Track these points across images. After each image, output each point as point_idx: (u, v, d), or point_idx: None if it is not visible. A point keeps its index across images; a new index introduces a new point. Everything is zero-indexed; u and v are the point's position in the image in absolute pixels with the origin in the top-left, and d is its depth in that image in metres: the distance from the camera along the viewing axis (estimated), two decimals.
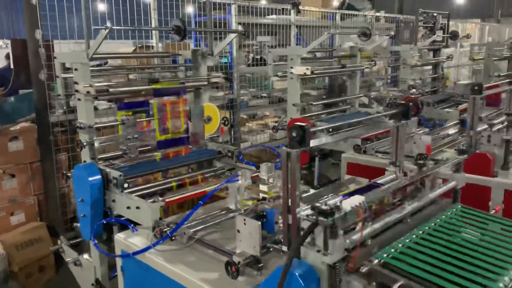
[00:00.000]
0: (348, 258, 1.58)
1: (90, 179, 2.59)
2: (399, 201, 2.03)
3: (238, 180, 2.43)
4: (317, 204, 1.56)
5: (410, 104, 2.35)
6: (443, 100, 5.75)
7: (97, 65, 3.63)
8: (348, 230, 1.64)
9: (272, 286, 1.65)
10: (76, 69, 2.77)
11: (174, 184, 2.90)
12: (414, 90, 5.81)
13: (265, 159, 5.31)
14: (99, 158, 2.87)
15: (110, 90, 2.81)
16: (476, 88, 3.02)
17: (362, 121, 2.57)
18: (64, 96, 3.42)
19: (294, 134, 1.75)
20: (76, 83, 2.76)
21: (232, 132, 5.98)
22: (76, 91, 2.76)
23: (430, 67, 6.72)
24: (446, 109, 5.41)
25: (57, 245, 3.24)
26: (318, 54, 6.65)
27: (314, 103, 4.96)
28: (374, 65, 5.98)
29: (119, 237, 2.39)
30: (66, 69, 3.20)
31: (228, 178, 2.63)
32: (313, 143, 1.78)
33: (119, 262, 2.43)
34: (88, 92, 2.69)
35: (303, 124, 1.73)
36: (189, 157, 3.15)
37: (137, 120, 2.96)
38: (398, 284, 1.48)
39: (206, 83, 3.31)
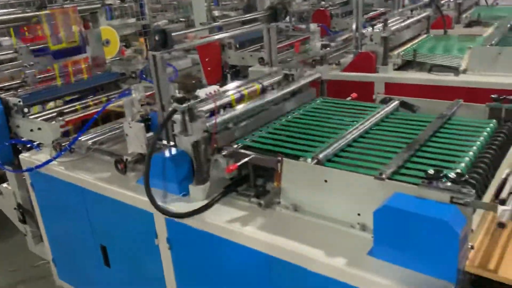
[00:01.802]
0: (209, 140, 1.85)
1: None
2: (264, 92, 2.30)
3: (131, 94, 2.61)
4: (176, 95, 1.80)
5: (279, 7, 2.56)
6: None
7: None
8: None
9: (152, 169, 1.93)
10: None
11: (78, 107, 3.03)
12: (323, 2, 6.03)
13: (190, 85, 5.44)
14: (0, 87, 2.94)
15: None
16: None
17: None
18: None
19: (157, 38, 1.94)
20: None
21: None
22: None
23: None
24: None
25: None
26: None
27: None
28: None
29: (24, 156, 2.56)
30: None
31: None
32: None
33: (28, 179, 2.62)
34: None
35: (164, 28, 1.91)
36: (91, 81, 3.26)
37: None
38: (250, 157, 1.78)
39: (99, 5, 3.33)
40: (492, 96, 1.99)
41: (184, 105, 1.74)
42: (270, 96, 2.22)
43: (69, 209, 2.44)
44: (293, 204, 1.70)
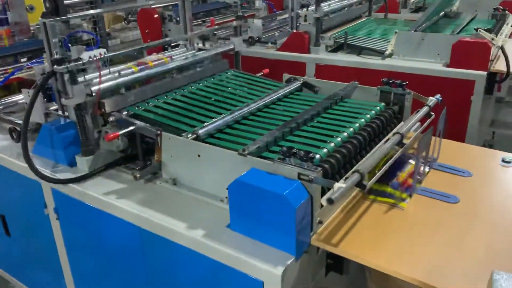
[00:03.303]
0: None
1: None
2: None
3: (43, 63, 2.56)
4: (55, 57, 1.78)
5: None
6: None
7: None
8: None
9: (43, 139, 1.91)
10: None
11: None
12: None
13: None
14: None
15: None
16: None
17: None
18: None
19: (47, 5, 1.90)
20: None
21: None
22: None
23: None
24: None
25: None
26: None
27: None
28: None
29: None
30: None
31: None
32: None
33: None
34: None
35: None
36: (13, 47, 3.16)
37: None
38: (134, 127, 1.78)
39: None
40: (383, 79, 2.05)
41: (62, 66, 1.72)
42: (172, 64, 2.21)
43: None
44: (172, 178, 1.73)
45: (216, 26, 2.97)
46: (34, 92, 1.81)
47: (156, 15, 4.46)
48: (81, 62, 1.79)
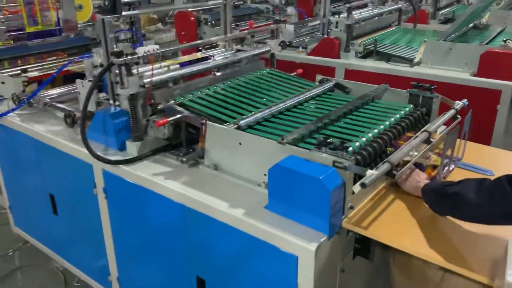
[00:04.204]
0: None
1: None
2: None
3: (92, 57, 2.76)
4: (114, 49, 1.96)
5: None
6: None
7: None
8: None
9: (96, 125, 2.10)
10: None
11: (48, 66, 3.17)
12: None
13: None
14: None
15: None
16: None
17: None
18: None
19: (106, 3, 2.10)
20: None
21: None
22: None
23: None
24: None
25: None
26: None
27: None
28: None
29: None
30: None
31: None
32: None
33: None
34: None
35: None
36: (62, 43, 3.39)
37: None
38: (181, 115, 1.95)
39: None
40: (412, 83, 2.17)
41: (121, 59, 1.90)
42: (215, 62, 2.39)
43: (23, 159, 2.62)
44: (213, 164, 1.88)
45: (254, 30, 3.12)
46: (95, 80, 2.00)
47: (192, 18, 4.70)
48: (136, 56, 1.96)
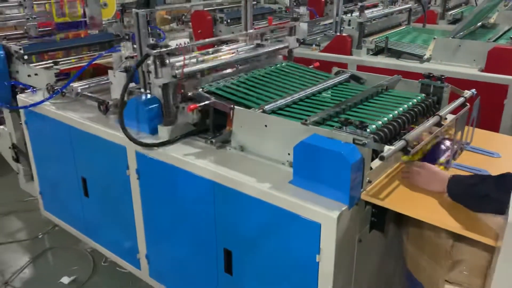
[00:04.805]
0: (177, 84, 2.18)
1: None
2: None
3: (120, 50, 2.94)
4: (151, 42, 2.13)
5: None
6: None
7: None
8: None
9: (128, 112, 2.27)
10: None
11: (73, 60, 3.36)
12: None
13: None
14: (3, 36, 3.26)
15: None
16: None
17: None
18: None
19: None
20: None
21: None
22: None
23: None
24: None
25: None
26: None
27: None
28: None
29: (21, 96, 2.90)
30: None
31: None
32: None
33: (23, 118, 2.96)
34: None
35: None
36: (88, 39, 3.58)
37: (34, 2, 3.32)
38: (209, 101, 2.12)
39: None
40: (424, 73, 2.32)
41: (155, 50, 2.07)
42: (240, 55, 2.55)
43: (56, 145, 2.79)
44: (240, 145, 2.04)
45: (274, 26, 3.28)
46: (132, 70, 2.17)
47: (208, 17, 4.87)
48: (169, 48, 2.13)
